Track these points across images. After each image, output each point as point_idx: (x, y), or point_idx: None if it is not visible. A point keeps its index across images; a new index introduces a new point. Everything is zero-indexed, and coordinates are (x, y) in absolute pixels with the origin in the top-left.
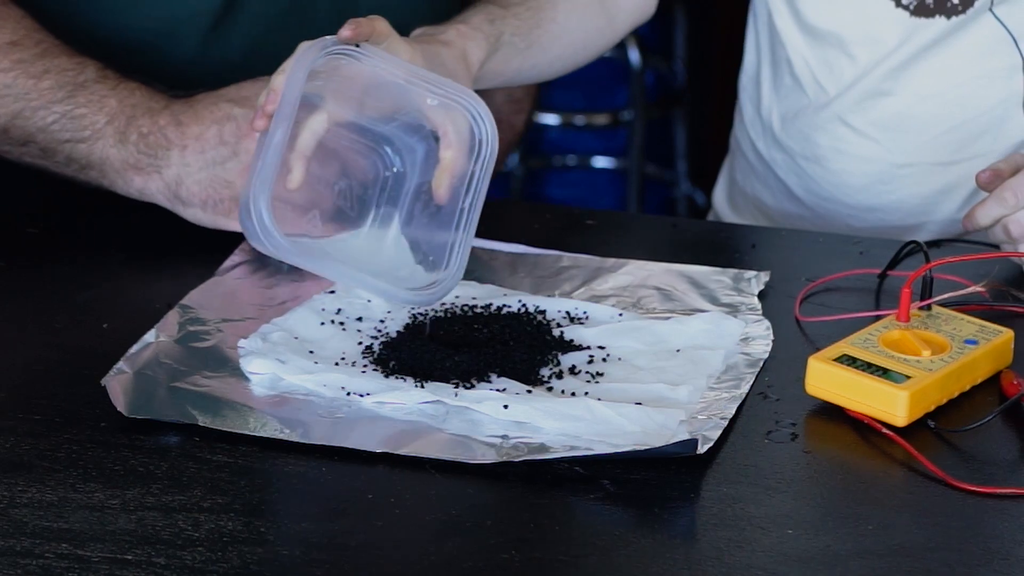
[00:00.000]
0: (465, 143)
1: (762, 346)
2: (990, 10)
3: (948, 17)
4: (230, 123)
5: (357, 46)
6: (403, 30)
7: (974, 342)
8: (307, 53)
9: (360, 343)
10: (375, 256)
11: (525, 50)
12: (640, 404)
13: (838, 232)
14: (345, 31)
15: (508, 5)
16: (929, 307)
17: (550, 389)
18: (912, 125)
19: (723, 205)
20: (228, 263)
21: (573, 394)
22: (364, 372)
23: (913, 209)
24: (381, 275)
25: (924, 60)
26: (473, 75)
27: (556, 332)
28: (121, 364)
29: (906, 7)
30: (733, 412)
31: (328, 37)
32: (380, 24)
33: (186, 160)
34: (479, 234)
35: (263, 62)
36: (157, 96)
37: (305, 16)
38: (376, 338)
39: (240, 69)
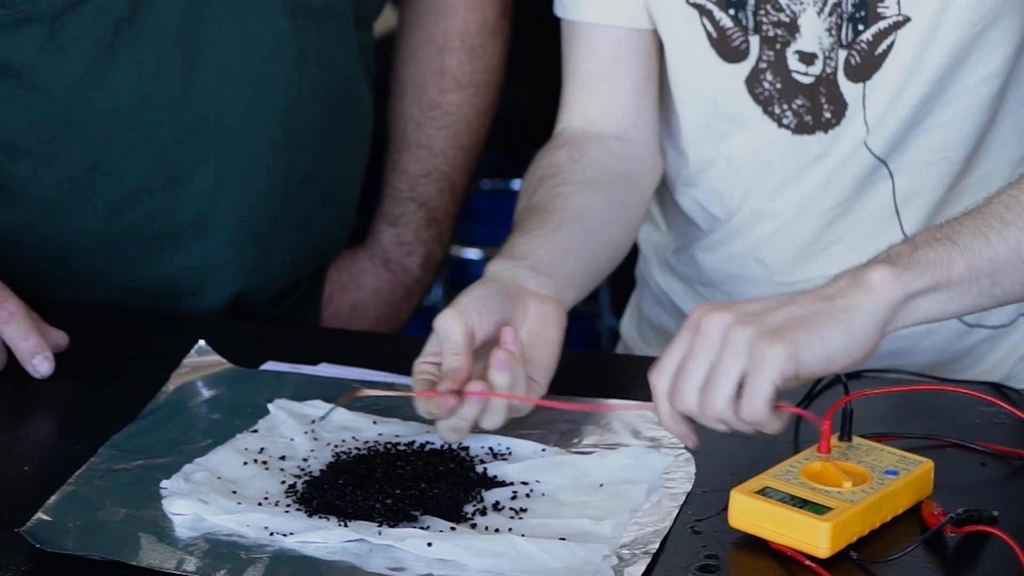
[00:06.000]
0: None
1: (685, 479)
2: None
3: (826, 131)
4: None
5: None
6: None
7: (895, 472)
8: None
9: (283, 482)
10: None
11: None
12: (564, 539)
13: None
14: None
15: (519, 222)
16: (849, 438)
17: (474, 526)
18: (795, 243)
19: (632, 336)
20: (150, 407)
21: (497, 530)
22: (287, 511)
23: None
24: None
25: (805, 177)
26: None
27: (479, 468)
28: (41, 514)
29: (787, 127)
30: (657, 546)
31: None
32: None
33: None
34: (402, 371)
35: (133, 131)
36: None
37: (173, 85)
38: (299, 477)
39: (109, 136)
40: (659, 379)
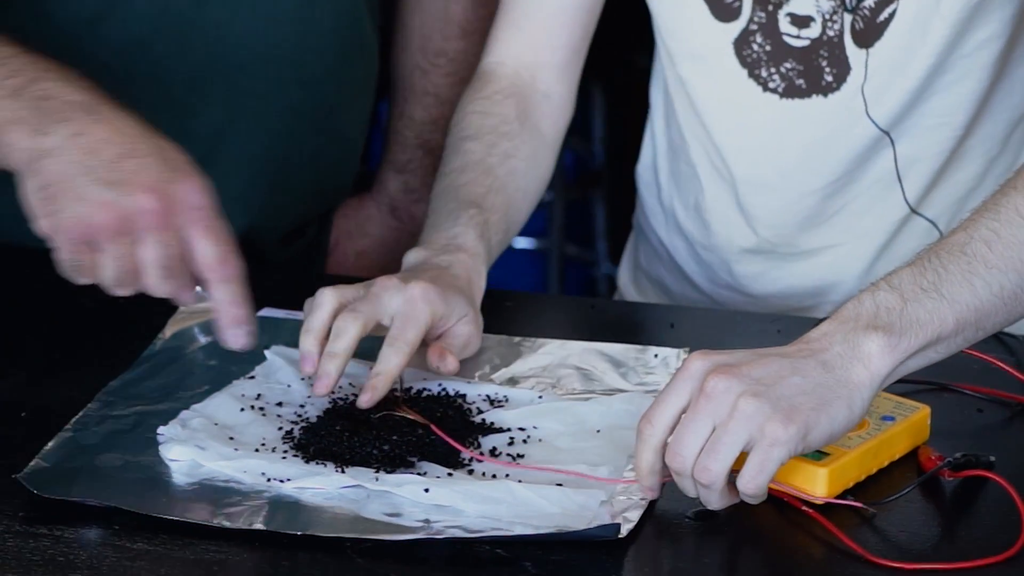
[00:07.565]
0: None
1: None
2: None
3: (825, 95)
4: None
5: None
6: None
7: (891, 418)
8: None
9: (280, 428)
10: None
11: (506, 231)
12: (561, 485)
13: None
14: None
15: (485, 204)
16: None
17: (471, 472)
18: (798, 215)
19: (628, 286)
20: (147, 353)
21: (494, 476)
22: (284, 458)
23: (809, 292)
24: None
25: (802, 144)
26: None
27: (477, 418)
28: (38, 460)
29: (773, 91)
30: None
31: None
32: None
33: (70, 147)
34: None
35: (142, 64)
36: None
37: (183, 18)
38: (296, 423)
39: (118, 70)
40: (650, 430)
